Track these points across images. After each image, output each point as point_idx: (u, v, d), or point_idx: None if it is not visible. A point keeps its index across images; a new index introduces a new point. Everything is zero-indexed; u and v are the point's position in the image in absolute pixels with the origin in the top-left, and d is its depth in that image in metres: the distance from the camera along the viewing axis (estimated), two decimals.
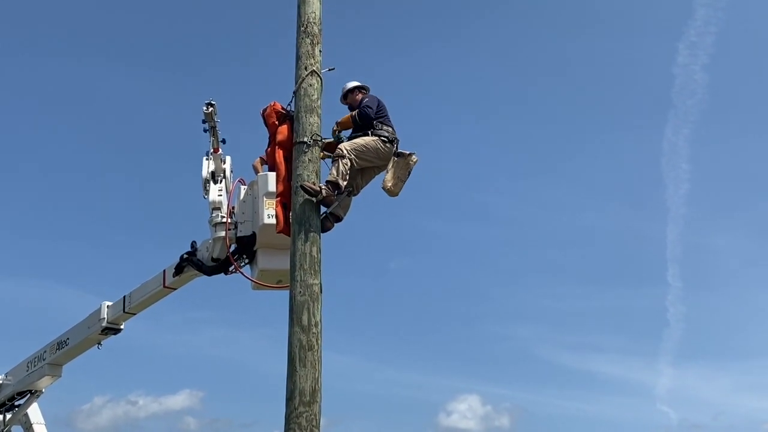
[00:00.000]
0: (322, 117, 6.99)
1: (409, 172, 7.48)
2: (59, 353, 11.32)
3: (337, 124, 7.74)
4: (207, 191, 8.95)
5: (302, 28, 7.11)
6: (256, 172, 8.46)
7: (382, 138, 7.45)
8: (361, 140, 7.41)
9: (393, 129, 7.58)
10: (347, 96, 8.01)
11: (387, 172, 7.42)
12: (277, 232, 7.34)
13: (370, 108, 7.58)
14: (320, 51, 7.10)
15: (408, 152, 7.50)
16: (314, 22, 7.12)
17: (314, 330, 6.21)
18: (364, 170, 7.56)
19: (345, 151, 7.23)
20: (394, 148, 7.50)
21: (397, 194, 7.44)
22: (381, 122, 7.54)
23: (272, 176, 7.76)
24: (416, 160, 7.48)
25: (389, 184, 7.38)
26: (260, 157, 8.45)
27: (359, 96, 7.90)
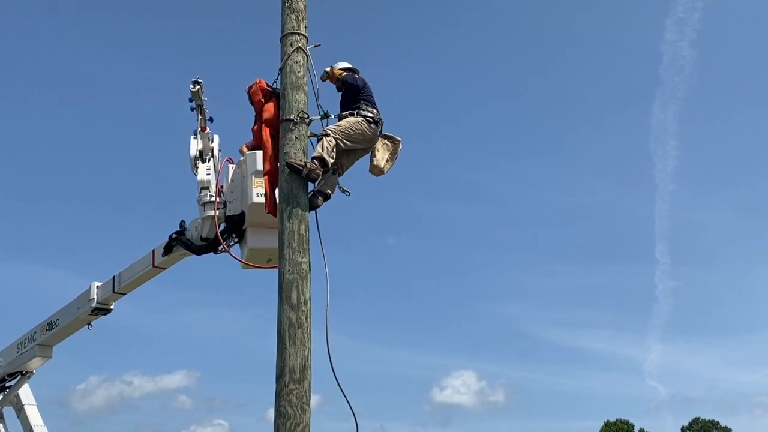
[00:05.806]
0: (309, 94, 6.96)
1: (396, 156, 7.68)
2: (49, 334, 11.29)
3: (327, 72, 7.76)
4: (195, 170, 8.89)
5: (287, 4, 7.05)
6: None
7: (367, 119, 7.47)
8: (345, 122, 7.39)
9: (378, 111, 7.62)
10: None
11: (377, 151, 7.50)
12: (267, 212, 7.31)
13: (357, 83, 7.68)
14: (306, 27, 7.04)
15: (396, 137, 7.66)
16: None
17: (303, 308, 6.22)
18: (349, 150, 7.53)
19: (330, 132, 7.21)
20: (380, 130, 7.58)
21: (384, 174, 7.59)
22: (366, 103, 7.55)
23: (260, 155, 7.72)
24: (401, 148, 7.69)
25: (381, 164, 7.55)
26: (245, 145, 8.39)
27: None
